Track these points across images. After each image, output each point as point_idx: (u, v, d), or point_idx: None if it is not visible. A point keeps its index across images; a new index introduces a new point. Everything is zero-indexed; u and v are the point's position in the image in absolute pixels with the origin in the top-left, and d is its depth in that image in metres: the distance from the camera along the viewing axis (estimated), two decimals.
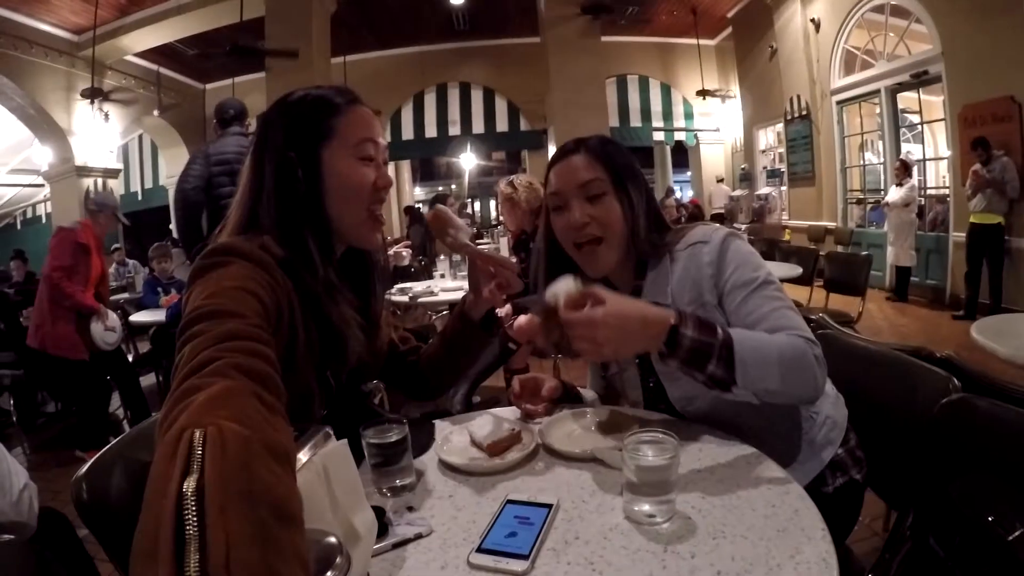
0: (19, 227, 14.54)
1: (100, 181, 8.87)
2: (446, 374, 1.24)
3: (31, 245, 8.84)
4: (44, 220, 12.64)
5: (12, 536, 0.85)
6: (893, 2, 6.47)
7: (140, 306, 4.63)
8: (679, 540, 0.72)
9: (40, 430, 4.30)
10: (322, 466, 0.59)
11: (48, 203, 10.80)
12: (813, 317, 1.57)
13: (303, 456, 0.58)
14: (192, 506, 0.41)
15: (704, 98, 10.42)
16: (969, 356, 1.33)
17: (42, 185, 10.48)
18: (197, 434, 0.46)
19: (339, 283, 0.98)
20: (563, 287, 0.93)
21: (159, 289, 4.42)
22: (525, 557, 0.70)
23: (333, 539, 0.51)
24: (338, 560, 0.49)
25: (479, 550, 0.73)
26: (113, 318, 3.56)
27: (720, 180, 11.00)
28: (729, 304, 1.05)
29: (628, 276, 1.16)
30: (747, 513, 0.76)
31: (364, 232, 1.02)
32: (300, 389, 0.91)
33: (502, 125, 11.11)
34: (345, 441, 0.64)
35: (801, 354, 0.94)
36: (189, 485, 0.42)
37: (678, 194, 11.58)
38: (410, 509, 0.86)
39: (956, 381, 1.10)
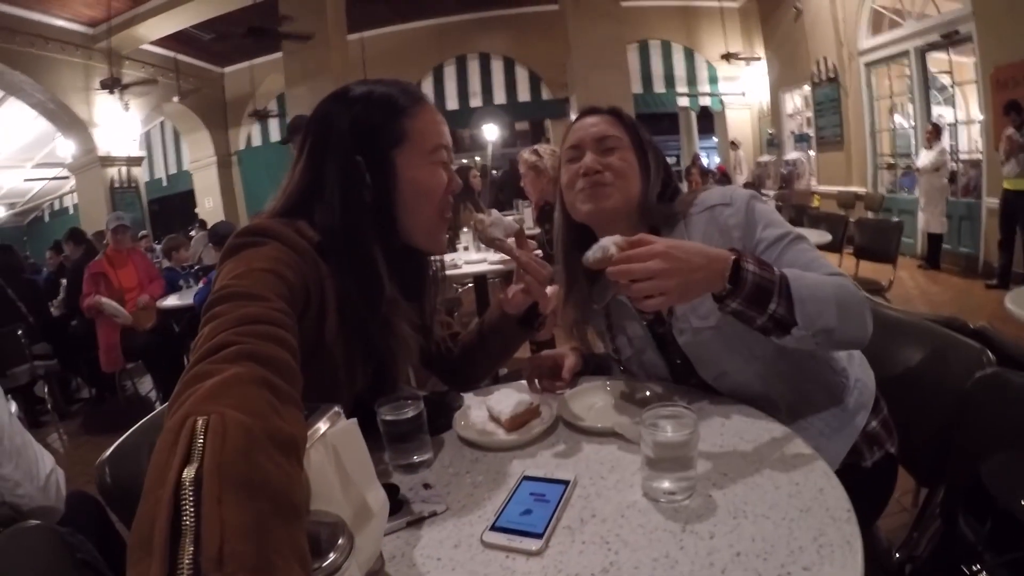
0: (47, 219, 14.89)
1: (124, 170, 9.00)
2: (482, 365, 1.23)
3: (59, 237, 9.01)
4: (71, 211, 12.90)
5: (38, 521, 0.86)
6: None
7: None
8: (698, 519, 0.70)
9: (75, 416, 4.44)
10: (331, 446, 0.58)
11: (74, 194, 10.99)
12: None
13: (313, 435, 0.57)
14: (190, 496, 0.40)
15: (728, 62, 10.14)
16: (1003, 327, 1.28)
17: (67, 177, 10.66)
18: (199, 422, 0.45)
19: (400, 297, 0.95)
20: (611, 241, 0.86)
21: (180, 281, 4.47)
22: (539, 536, 0.69)
23: (337, 520, 0.50)
24: (340, 541, 0.48)
25: (493, 528, 0.72)
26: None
27: (735, 146, 10.56)
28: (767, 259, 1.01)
29: None
30: (770, 491, 0.74)
31: (433, 237, 1.01)
32: (330, 371, 0.90)
33: (524, 95, 10.91)
34: (355, 420, 0.63)
35: (852, 292, 0.92)
36: (188, 474, 0.41)
37: (704, 161, 11.29)
38: (426, 486, 0.86)
39: (990, 354, 1.05)
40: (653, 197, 1.09)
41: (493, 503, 0.79)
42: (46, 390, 4.08)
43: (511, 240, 1.07)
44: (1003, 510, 0.71)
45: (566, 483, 0.79)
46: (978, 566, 0.70)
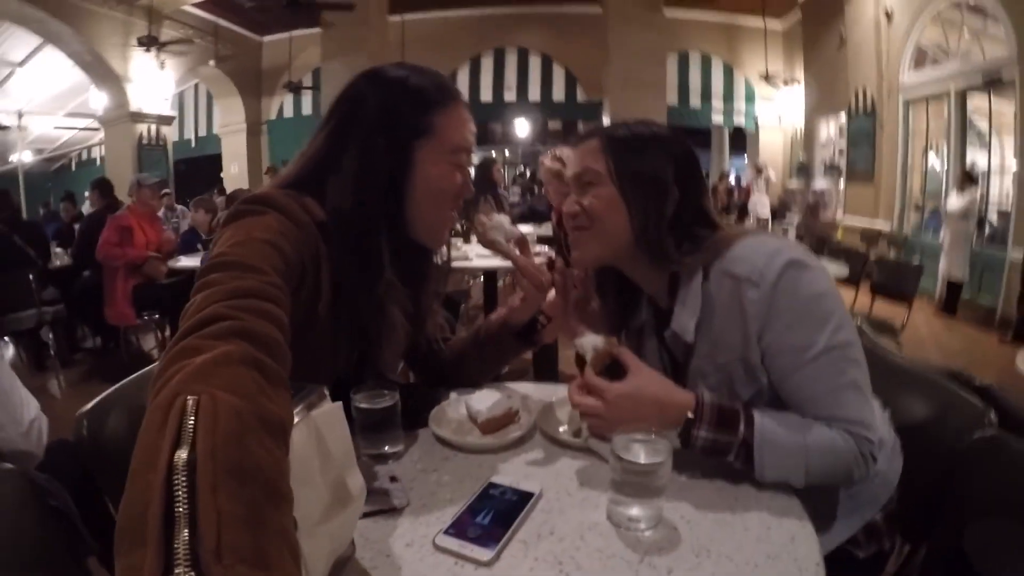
0: (74, 168, 15.11)
1: (153, 127, 9.09)
2: (472, 372, 1.20)
3: (84, 187, 9.13)
4: (98, 163, 13.06)
5: (12, 465, 0.86)
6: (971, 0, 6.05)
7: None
8: (659, 551, 0.67)
9: (77, 364, 4.48)
10: (315, 427, 0.58)
11: (103, 146, 11.12)
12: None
13: (298, 415, 0.56)
14: (183, 482, 0.39)
15: (767, 82, 10.00)
16: (1012, 384, 1.22)
17: (97, 129, 10.78)
18: (189, 402, 0.44)
19: (397, 283, 0.94)
20: (590, 342, 0.91)
21: (199, 245, 4.48)
22: (492, 547, 0.67)
23: None
24: None
25: (446, 532, 0.70)
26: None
27: (760, 171, 9.37)
28: (774, 371, 0.88)
29: (663, 291, 1.00)
30: (738, 532, 0.71)
31: (436, 233, 1.01)
32: (315, 351, 0.88)
33: (559, 94, 10.86)
34: (340, 403, 0.62)
35: (840, 456, 0.82)
36: (180, 457, 0.40)
37: (732, 178, 11.09)
38: (392, 479, 0.84)
39: (993, 416, 1.00)
40: (652, 232, 0.92)
41: (454, 505, 0.77)
42: (51, 336, 4.12)
43: (512, 245, 1.05)
44: None
45: (531, 495, 0.77)
46: None
